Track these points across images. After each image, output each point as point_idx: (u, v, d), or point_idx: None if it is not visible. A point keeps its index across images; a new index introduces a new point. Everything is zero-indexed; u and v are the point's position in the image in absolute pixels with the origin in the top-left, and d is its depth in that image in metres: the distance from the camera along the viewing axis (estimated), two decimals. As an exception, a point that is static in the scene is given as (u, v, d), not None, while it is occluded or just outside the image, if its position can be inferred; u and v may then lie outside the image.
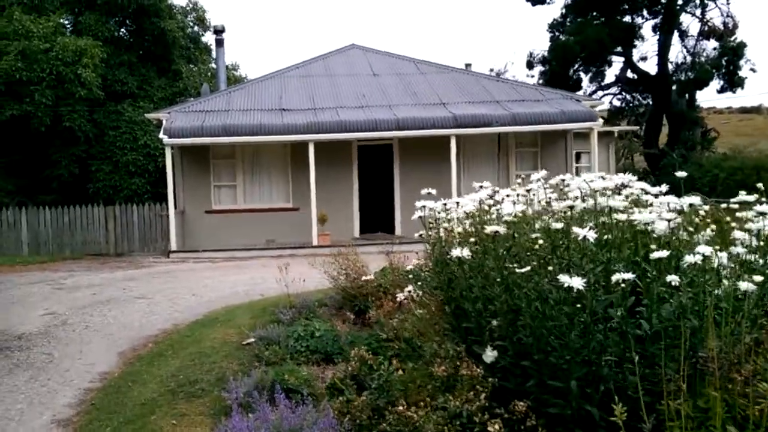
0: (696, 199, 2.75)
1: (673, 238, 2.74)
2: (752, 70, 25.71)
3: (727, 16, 25.43)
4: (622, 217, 2.82)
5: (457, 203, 3.81)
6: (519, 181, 3.96)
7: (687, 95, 26.21)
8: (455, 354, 3.30)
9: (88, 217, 14.21)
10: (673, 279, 2.46)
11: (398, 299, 4.61)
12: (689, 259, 2.43)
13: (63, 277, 10.25)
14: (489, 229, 3.14)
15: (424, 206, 3.79)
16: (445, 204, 3.73)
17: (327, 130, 13.14)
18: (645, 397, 2.41)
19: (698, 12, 25.79)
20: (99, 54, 16.73)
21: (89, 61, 16.30)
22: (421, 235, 4.05)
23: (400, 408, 2.86)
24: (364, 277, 5.69)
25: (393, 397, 3.22)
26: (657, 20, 26.05)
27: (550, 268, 2.92)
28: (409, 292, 4.56)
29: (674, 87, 25.93)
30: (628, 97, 28.49)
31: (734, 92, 25.80)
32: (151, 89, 19.16)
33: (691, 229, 2.90)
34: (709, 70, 24.84)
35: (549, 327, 2.94)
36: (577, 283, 2.64)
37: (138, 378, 4.73)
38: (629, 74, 27.54)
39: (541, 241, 3.00)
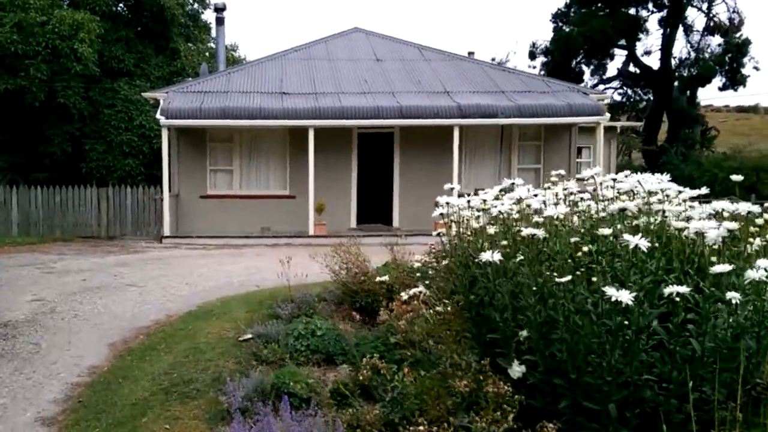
0: (755, 208, 2.48)
1: (725, 248, 2.49)
2: (755, 68, 25.50)
3: (733, 11, 25.13)
4: (680, 224, 2.55)
5: (484, 201, 3.52)
6: (519, 179, 3.64)
7: (688, 92, 25.95)
8: (478, 368, 3.04)
9: (81, 198, 13.81)
10: (734, 296, 2.20)
11: (404, 299, 4.36)
12: (752, 274, 2.17)
13: (53, 260, 9.91)
14: (526, 231, 2.85)
15: (447, 203, 3.49)
16: (468, 201, 3.43)
17: (328, 116, 12.79)
18: (694, 424, 2.16)
19: (704, 6, 25.42)
20: (96, 29, 16.20)
21: (86, 36, 15.78)
22: (439, 234, 3.76)
23: (421, 428, 2.60)
24: (377, 279, 5.39)
25: (408, 411, 2.96)
26: (663, 13, 25.67)
27: (595, 278, 2.64)
28: (421, 293, 4.30)
29: (676, 83, 25.64)
30: (629, 91, 28.21)
31: (736, 90, 25.63)
32: (148, 67, 18.64)
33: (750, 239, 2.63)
34: (713, 67, 24.56)
35: (588, 343, 2.68)
36: (625, 297, 2.40)
37: (129, 374, 4.45)
38: (631, 68, 27.23)
39: (586, 248, 2.70)
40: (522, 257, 3.03)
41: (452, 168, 13.41)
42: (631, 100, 28.37)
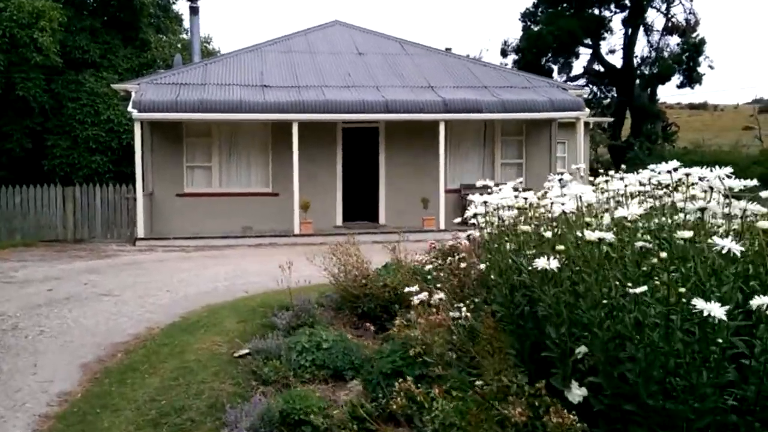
0: None
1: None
2: (710, 66, 26.55)
3: (690, 12, 26.10)
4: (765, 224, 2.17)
5: (526, 199, 3.05)
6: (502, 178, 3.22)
7: (649, 89, 26.81)
8: (532, 391, 2.58)
9: (44, 199, 12.83)
10: None
11: (416, 304, 3.88)
12: None
13: (13, 268, 9.04)
14: (592, 235, 2.40)
15: (485, 202, 3.01)
16: (518, 196, 2.96)
17: (313, 109, 12.18)
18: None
19: (663, 8, 26.31)
20: (58, 17, 15.13)
21: (47, 24, 14.72)
22: (459, 230, 3.26)
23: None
24: (380, 282, 4.89)
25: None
26: (625, 14, 26.45)
27: (683, 289, 2.23)
28: (440, 299, 3.83)
29: (638, 81, 26.46)
30: (594, 88, 28.84)
31: (693, 88, 26.69)
32: (115, 59, 17.60)
33: None
34: (672, 65, 25.47)
35: (666, 363, 2.27)
36: (718, 311, 2.06)
37: (107, 401, 3.84)
38: (596, 66, 28.00)
39: (664, 254, 2.28)
40: (582, 265, 2.58)
41: (438, 163, 13.09)
42: (597, 97, 29.06)
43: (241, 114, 11.96)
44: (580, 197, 2.66)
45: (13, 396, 4.02)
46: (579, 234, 2.60)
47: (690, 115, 44.17)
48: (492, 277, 3.21)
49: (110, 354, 4.81)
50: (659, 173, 2.63)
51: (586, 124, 17.56)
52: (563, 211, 2.56)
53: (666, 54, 26.21)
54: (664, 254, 2.32)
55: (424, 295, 3.80)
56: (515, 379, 2.75)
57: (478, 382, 2.82)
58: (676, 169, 2.60)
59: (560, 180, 3.10)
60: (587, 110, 13.34)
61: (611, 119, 25.68)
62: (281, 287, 5.43)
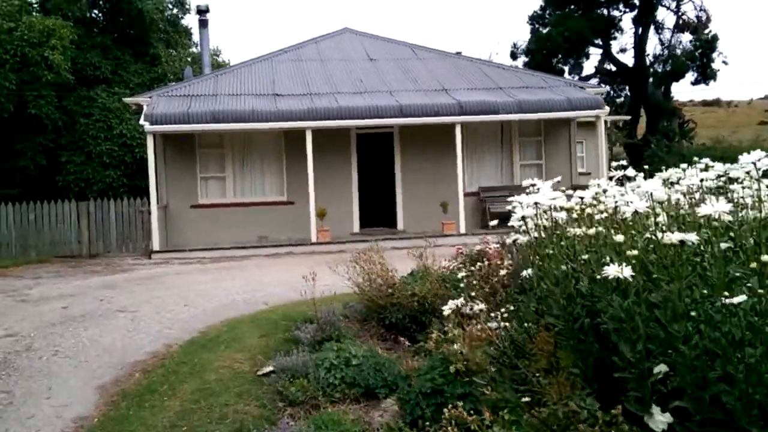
0: None
1: None
2: (724, 62, 26.13)
3: (701, 9, 25.82)
4: None
5: (582, 198, 2.74)
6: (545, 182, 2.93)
7: (663, 87, 26.47)
8: (607, 418, 2.26)
9: (58, 214, 12.73)
10: None
11: (448, 314, 3.58)
12: None
13: (27, 285, 8.89)
14: (673, 237, 2.09)
15: (536, 203, 2.70)
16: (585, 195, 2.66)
17: (326, 116, 11.98)
18: None
19: (673, 5, 26.09)
20: (69, 35, 15.17)
21: (57, 43, 14.75)
22: (481, 233, 2.99)
23: None
24: (408, 292, 4.60)
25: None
26: (634, 13, 26.25)
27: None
28: (480, 310, 3.52)
29: (651, 79, 26.17)
30: (607, 88, 28.51)
31: (707, 84, 26.36)
32: (126, 74, 17.63)
33: None
34: (685, 62, 25.19)
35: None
36: None
37: (125, 428, 3.58)
38: (608, 66, 27.76)
39: (766, 257, 1.96)
40: (659, 272, 2.26)
41: (455, 167, 12.83)
42: (610, 95, 28.81)
43: (253, 123, 11.79)
44: (651, 195, 2.34)
45: (26, 422, 3.78)
46: (652, 236, 2.28)
47: (703, 112, 43.55)
48: (545, 286, 2.89)
49: (128, 374, 4.56)
50: (741, 166, 2.32)
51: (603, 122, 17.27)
52: (635, 211, 2.24)
53: (679, 51, 25.90)
54: (766, 257, 1.99)
55: (459, 302, 3.50)
56: (584, 403, 2.43)
57: (542, 410, 2.49)
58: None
59: (621, 178, 2.79)
60: (607, 108, 12.98)
61: (628, 117, 25.32)
62: (302, 298, 5.16)
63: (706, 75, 25.81)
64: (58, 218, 12.70)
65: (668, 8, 26.15)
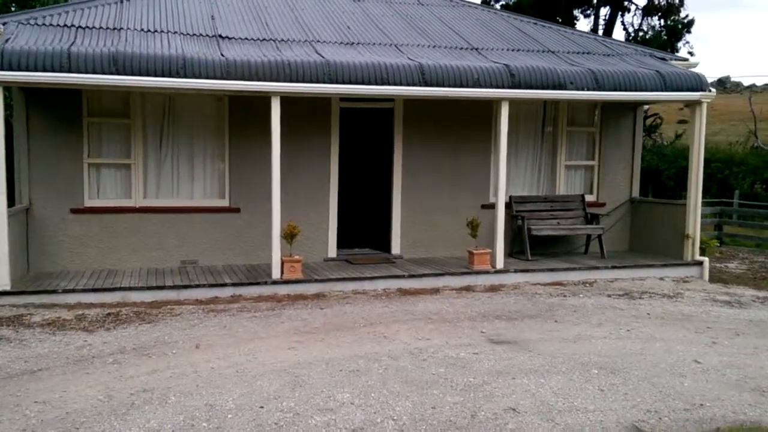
0: None
1: None
2: (690, 53, 23.66)
3: None
4: None
5: None
6: None
7: None
8: None
9: None
10: None
11: None
12: None
13: None
14: None
15: None
16: None
17: (306, 77, 7.36)
18: None
19: None
20: None
21: None
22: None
23: None
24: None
25: None
26: None
27: None
28: None
29: None
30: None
31: None
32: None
33: None
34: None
35: None
36: None
37: None
38: None
39: None
40: None
41: (489, 166, 9.06)
42: None
43: (183, 79, 6.95)
44: None
45: None
46: None
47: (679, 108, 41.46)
48: None
49: None
50: None
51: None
52: None
53: (649, 36, 23.16)
54: None
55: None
56: None
57: None
58: None
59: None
60: (713, 91, 9.11)
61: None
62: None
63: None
64: None
65: (637, -7, 23.32)
